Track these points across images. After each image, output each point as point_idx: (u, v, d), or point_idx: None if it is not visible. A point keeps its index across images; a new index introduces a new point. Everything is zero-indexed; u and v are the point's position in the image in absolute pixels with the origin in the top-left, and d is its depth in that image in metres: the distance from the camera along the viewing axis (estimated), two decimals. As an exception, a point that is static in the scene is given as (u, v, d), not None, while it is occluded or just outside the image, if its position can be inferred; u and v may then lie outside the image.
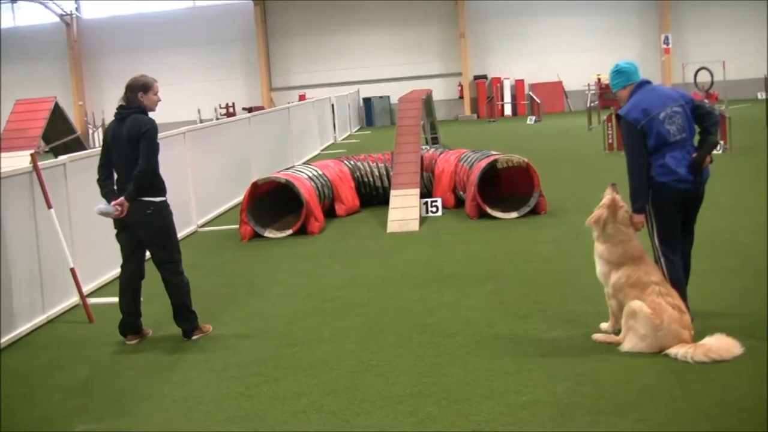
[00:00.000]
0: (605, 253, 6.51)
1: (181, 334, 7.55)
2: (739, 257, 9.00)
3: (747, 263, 8.73)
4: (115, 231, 7.57)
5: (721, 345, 5.94)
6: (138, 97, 7.35)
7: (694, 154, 6.48)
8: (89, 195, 8.49)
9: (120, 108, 7.39)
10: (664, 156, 6.42)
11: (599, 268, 6.59)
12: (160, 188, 7.35)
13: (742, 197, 12.57)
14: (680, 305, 6.18)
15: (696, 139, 6.64)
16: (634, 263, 6.37)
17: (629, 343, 6.21)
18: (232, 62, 41.36)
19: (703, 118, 6.59)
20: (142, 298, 7.70)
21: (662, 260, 6.58)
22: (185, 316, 7.54)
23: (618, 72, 6.82)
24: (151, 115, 7.42)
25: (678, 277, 6.56)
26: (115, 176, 7.45)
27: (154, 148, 7.23)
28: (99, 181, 7.46)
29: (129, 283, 7.59)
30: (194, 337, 7.51)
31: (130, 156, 7.20)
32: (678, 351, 5.95)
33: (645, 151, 6.46)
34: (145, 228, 7.35)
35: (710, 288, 7.70)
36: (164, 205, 7.40)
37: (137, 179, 7.15)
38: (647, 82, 6.75)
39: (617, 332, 6.51)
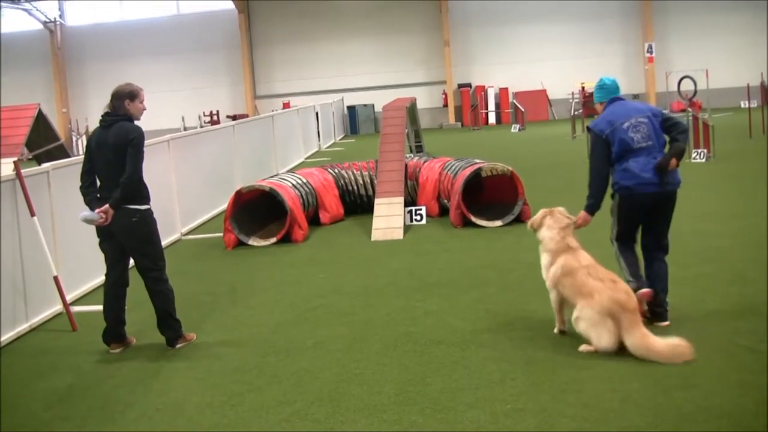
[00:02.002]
0: (544, 242, 7.04)
1: (165, 343, 7.53)
2: (716, 263, 9.07)
3: (725, 269, 8.79)
4: (98, 239, 7.53)
5: (670, 349, 6.07)
6: (124, 104, 7.33)
7: (660, 158, 6.88)
8: (73, 203, 8.46)
9: (105, 115, 7.37)
10: (628, 161, 6.91)
11: (543, 262, 7.09)
12: (144, 196, 7.34)
13: (723, 204, 12.65)
14: (611, 277, 6.53)
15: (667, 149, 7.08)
16: (568, 252, 6.84)
17: (593, 336, 6.38)
18: (216, 70, 41.26)
19: (671, 128, 7.08)
20: (126, 306, 7.67)
21: (618, 253, 7.17)
22: (169, 325, 7.51)
23: (600, 87, 7.37)
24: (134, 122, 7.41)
25: (632, 261, 7.08)
26: (98, 183, 7.43)
27: (140, 156, 7.22)
28: (82, 188, 7.42)
29: (113, 291, 7.56)
30: (178, 346, 7.49)
31: (115, 163, 7.17)
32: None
33: (606, 160, 6.98)
34: (129, 236, 7.32)
35: (688, 294, 7.76)
36: (149, 213, 7.38)
37: (124, 187, 7.12)
38: (619, 99, 7.24)
39: (563, 332, 6.99)
